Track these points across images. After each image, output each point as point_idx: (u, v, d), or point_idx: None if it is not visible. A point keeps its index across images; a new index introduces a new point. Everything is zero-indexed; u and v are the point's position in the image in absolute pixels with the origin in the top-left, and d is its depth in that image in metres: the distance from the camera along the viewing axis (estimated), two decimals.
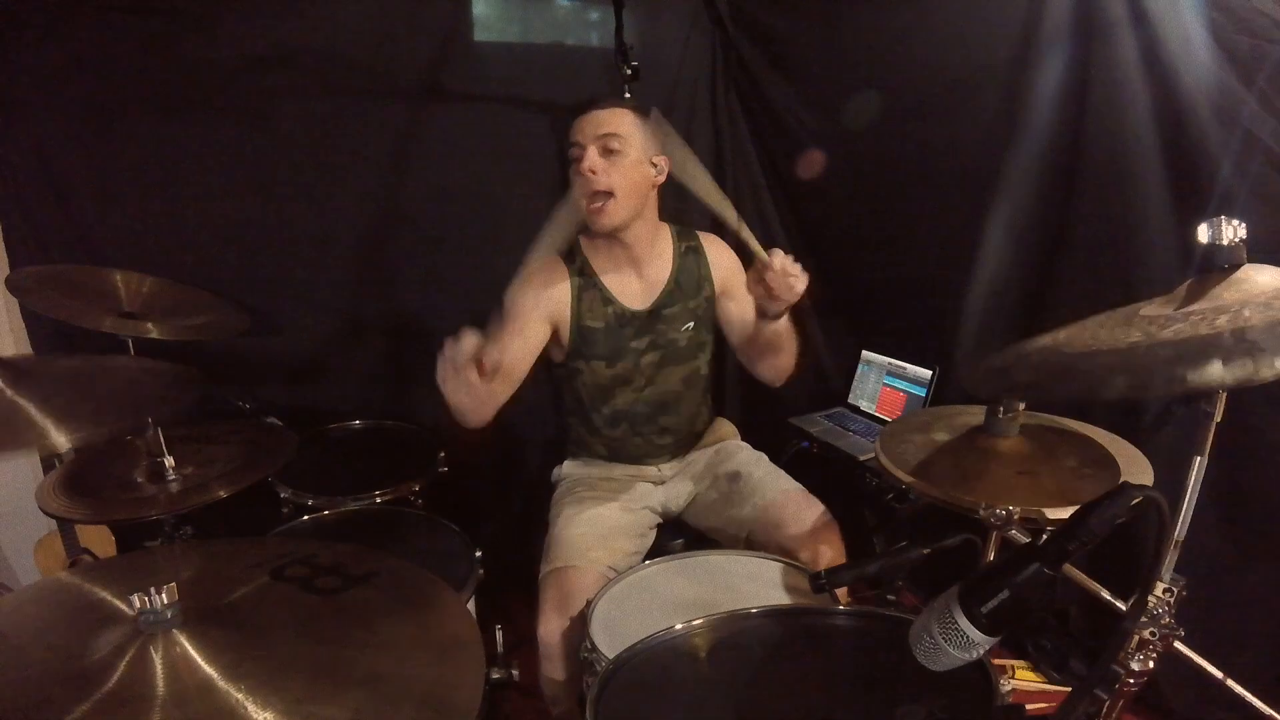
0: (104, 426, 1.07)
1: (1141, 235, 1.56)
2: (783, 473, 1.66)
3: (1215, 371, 0.74)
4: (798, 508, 1.54)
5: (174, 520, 1.47)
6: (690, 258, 1.65)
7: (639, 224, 1.55)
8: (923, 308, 2.13)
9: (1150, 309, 0.96)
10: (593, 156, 1.46)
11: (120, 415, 1.15)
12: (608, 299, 1.58)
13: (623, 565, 1.50)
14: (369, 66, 2.00)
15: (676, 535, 1.67)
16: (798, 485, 1.61)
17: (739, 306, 1.68)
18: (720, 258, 1.68)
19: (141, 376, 1.31)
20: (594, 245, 1.60)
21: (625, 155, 1.48)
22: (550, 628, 1.38)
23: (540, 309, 1.53)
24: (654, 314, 1.60)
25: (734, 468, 1.67)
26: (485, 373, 1.22)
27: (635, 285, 1.60)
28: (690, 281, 1.64)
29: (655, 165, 1.54)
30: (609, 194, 1.47)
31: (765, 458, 1.73)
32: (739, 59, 2.34)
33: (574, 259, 1.59)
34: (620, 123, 1.48)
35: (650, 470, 1.71)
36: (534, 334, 1.52)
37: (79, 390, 1.13)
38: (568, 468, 1.76)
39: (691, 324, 1.63)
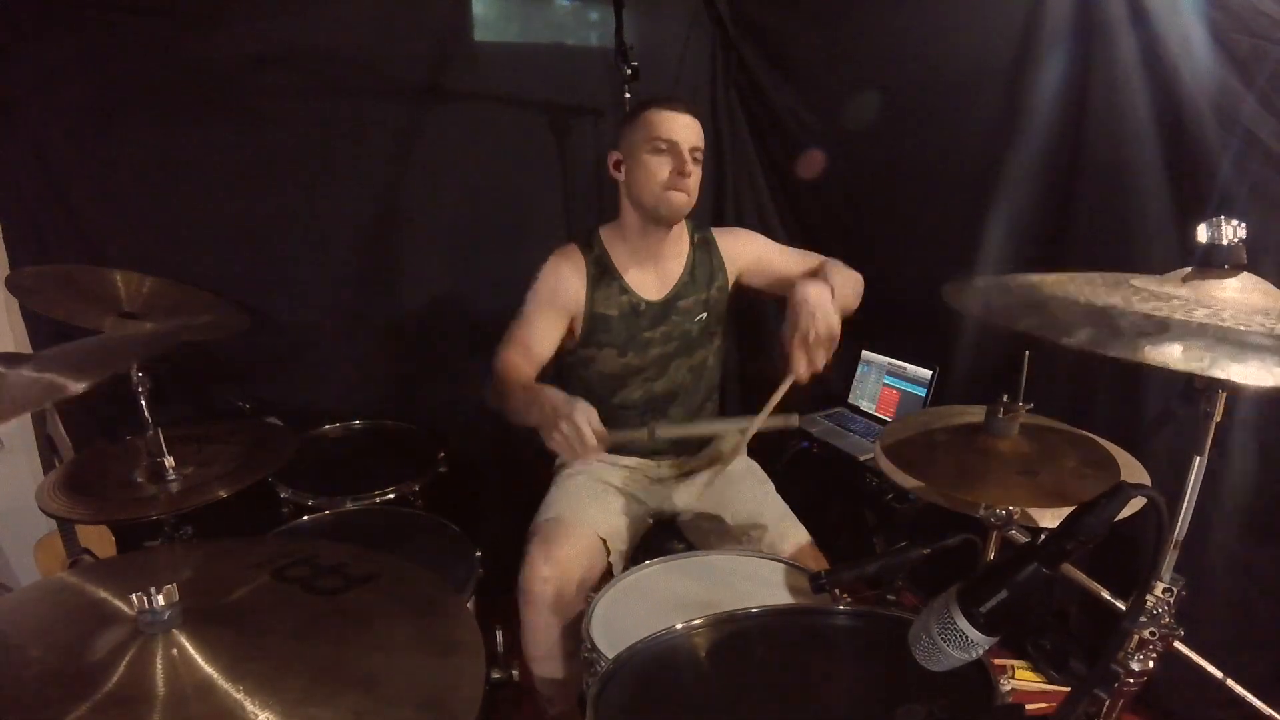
0: (100, 373, 1.07)
1: (1141, 235, 1.56)
2: (792, 517, 1.58)
3: (1172, 353, 0.76)
4: (805, 562, 1.44)
5: (174, 520, 1.47)
6: (702, 250, 1.69)
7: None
8: (923, 308, 2.12)
9: (1141, 281, 0.97)
10: (691, 164, 1.52)
11: (113, 362, 1.14)
12: (623, 288, 1.61)
13: (611, 535, 1.52)
14: (369, 66, 2.00)
15: (675, 536, 1.67)
16: (807, 538, 1.53)
17: (767, 266, 1.71)
18: (731, 248, 1.71)
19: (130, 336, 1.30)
20: (616, 237, 1.63)
21: (700, 166, 1.56)
22: (533, 574, 1.41)
23: (556, 297, 1.58)
24: (668, 305, 1.63)
25: (740, 509, 1.60)
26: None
27: (651, 277, 1.64)
28: (703, 273, 1.67)
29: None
30: (688, 196, 1.54)
31: (770, 487, 1.67)
32: (739, 59, 2.34)
33: (592, 248, 1.62)
34: (702, 137, 1.56)
35: (649, 465, 1.71)
36: (554, 321, 1.57)
37: (72, 356, 1.13)
38: None
39: (704, 314, 1.66)
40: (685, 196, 1.53)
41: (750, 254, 1.72)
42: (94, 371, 1.04)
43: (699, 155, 1.54)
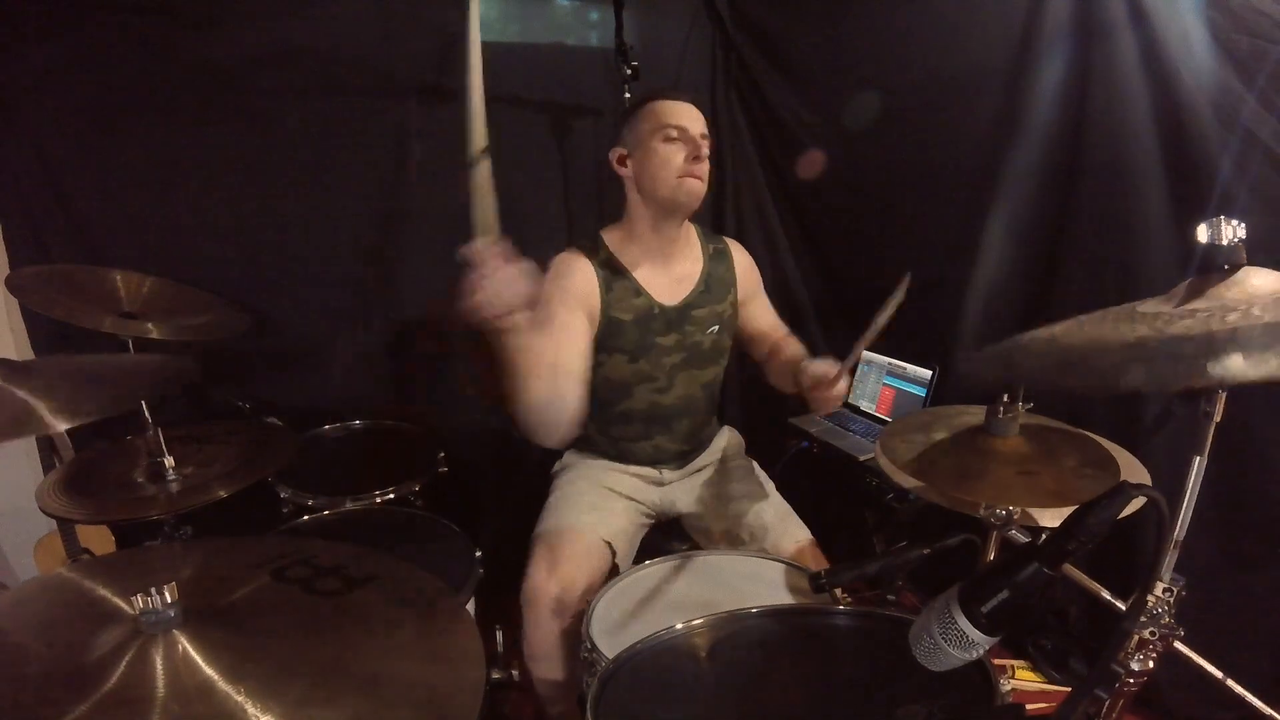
0: (99, 411, 1.07)
1: (1141, 235, 1.56)
2: (794, 516, 1.58)
3: (1237, 364, 0.73)
4: (806, 563, 1.45)
5: (174, 520, 1.47)
6: (718, 260, 1.65)
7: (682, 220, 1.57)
8: (923, 308, 2.12)
9: (1147, 307, 0.96)
10: (704, 150, 1.49)
11: (115, 401, 1.14)
12: (638, 291, 1.56)
13: (615, 537, 1.52)
14: (369, 66, 2.00)
15: (675, 535, 1.67)
16: (809, 536, 1.53)
17: (755, 311, 1.71)
18: (742, 262, 1.69)
19: (136, 367, 1.32)
20: (621, 239, 1.57)
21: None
22: (536, 584, 1.40)
23: (572, 301, 1.49)
24: (682, 312, 1.59)
25: (742, 508, 1.59)
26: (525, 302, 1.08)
27: (664, 280, 1.59)
28: (718, 285, 1.64)
29: None
30: (704, 183, 1.50)
31: (771, 486, 1.67)
32: (739, 59, 2.34)
33: (597, 252, 1.56)
34: (708, 129, 1.53)
35: (652, 472, 1.70)
36: (576, 327, 1.48)
37: (75, 379, 1.13)
38: (569, 458, 1.75)
39: (716, 327, 1.63)
40: (701, 183, 1.49)
41: (752, 282, 1.71)
42: (87, 409, 1.03)
43: (707, 144, 1.50)
